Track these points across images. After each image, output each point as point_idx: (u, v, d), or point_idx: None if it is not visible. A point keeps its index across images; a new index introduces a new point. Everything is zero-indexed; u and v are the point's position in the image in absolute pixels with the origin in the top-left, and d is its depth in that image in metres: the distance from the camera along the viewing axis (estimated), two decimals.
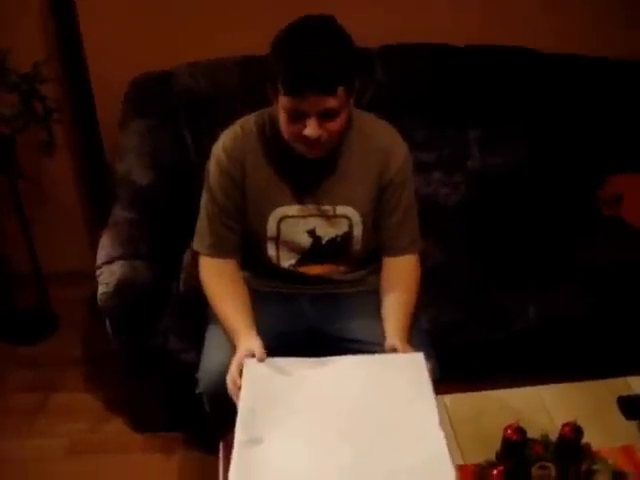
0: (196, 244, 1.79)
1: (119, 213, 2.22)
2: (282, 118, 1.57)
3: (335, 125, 1.55)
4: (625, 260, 2.26)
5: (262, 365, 1.54)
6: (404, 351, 1.58)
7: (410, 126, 2.37)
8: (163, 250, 2.13)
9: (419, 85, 2.54)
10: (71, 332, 2.77)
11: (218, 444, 1.82)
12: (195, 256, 1.84)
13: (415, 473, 1.31)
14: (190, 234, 1.82)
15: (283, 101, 1.52)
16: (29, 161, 2.63)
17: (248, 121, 1.75)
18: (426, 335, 1.82)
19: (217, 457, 1.85)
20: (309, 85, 1.47)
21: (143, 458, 2.21)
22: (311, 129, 1.52)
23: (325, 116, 1.52)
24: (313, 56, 1.47)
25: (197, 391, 1.71)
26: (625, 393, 1.68)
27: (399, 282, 1.76)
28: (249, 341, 1.59)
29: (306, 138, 1.54)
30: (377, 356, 1.60)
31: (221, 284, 1.74)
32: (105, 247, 2.04)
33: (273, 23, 1.57)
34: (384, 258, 1.81)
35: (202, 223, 1.77)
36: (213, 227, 1.75)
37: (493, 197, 2.58)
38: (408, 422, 1.41)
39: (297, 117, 1.53)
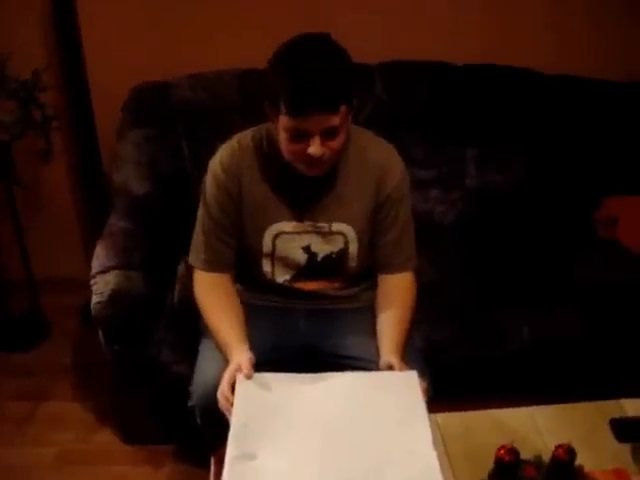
0: (191, 258, 1.79)
1: (115, 222, 2.22)
2: (283, 137, 1.56)
3: (337, 143, 1.55)
4: (620, 282, 2.26)
5: (255, 380, 1.52)
6: (400, 369, 1.57)
7: (408, 143, 2.38)
8: (158, 261, 2.13)
9: (418, 102, 2.54)
10: (63, 340, 2.75)
11: (209, 458, 1.82)
12: (190, 268, 1.83)
13: None
14: (185, 245, 1.82)
15: (284, 121, 1.51)
16: (26, 168, 2.62)
17: (245, 136, 1.75)
18: (420, 353, 1.81)
19: (207, 471, 1.85)
20: (312, 104, 1.46)
21: (132, 470, 2.19)
22: (315, 148, 1.51)
23: (327, 134, 1.52)
24: (315, 75, 1.46)
25: (189, 404, 1.70)
26: (618, 415, 1.67)
27: (395, 299, 1.75)
28: (240, 355, 1.57)
29: (308, 157, 1.54)
30: (371, 373, 1.59)
31: (214, 297, 1.73)
32: (100, 257, 2.04)
33: (273, 36, 1.57)
34: (380, 275, 1.81)
35: (198, 237, 1.77)
36: (208, 242, 1.74)
37: (490, 216, 2.58)
38: (401, 440, 1.40)
39: (299, 136, 1.52)
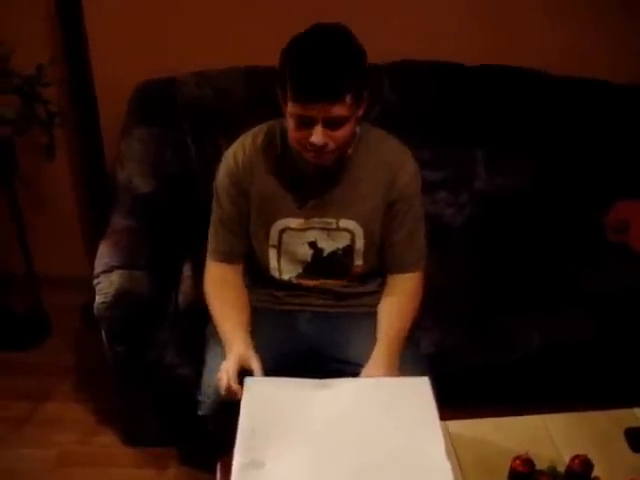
0: (208, 252, 1.81)
1: (118, 221, 2.18)
2: (290, 124, 1.57)
3: (341, 134, 1.54)
4: (631, 287, 2.23)
5: (262, 385, 1.51)
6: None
7: (416, 144, 2.30)
8: (163, 260, 2.09)
9: (426, 103, 2.51)
10: (64, 339, 2.71)
11: (213, 462, 1.77)
12: (196, 268, 1.82)
13: None
14: (191, 244, 1.81)
15: (291, 107, 1.52)
16: (29, 165, 2.59)
17: (260, 131, 1.76)
18: (424, 358, 1.80)
19: (211, 474, 1.80)
20: (316, 92, 1.47)
21: (134, 473, 2.16)
22: (317, 136, 1.52)
23: (331, 124, 1.51)
24: (322, 63, 1.46)
25: (200, 413, 1.69)
26: (633, 425, 1.64)
27: (399, 305, 1.75)
28: (243, 347, 1.59)
29: (312, 145, 1.54)
30: (382, 379, 1.58)
31: (222, 289, 1.76)
32: (104, 256, 2.00)
33: (280, 34, 1.57)
34: (389, 276, 1.80)
35: (211, 231, 1.80)
36: (219, 233, 1.77)
37: (498, 219, 2.54)
38: (413, 449, 1.37)
39: (304, 124, 1.53)
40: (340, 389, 1.51)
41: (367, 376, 1.61)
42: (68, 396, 2.46)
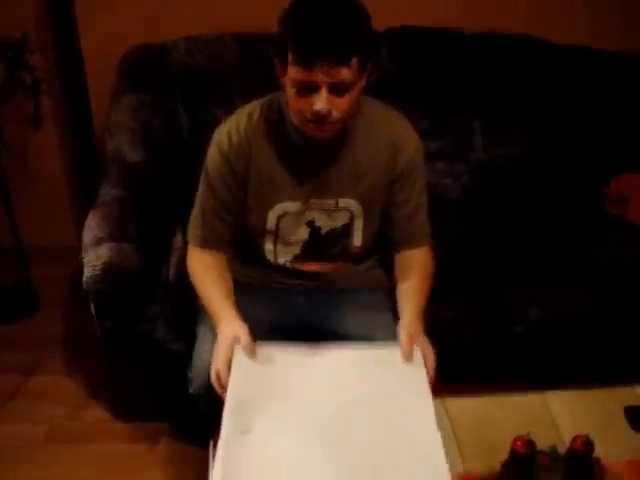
0: (189, 234, 1.72)
1: (107, 191, 2.11)
2: (290, 93, 1.47)
3: (345, 101, 1.45)
4: (631, 260, 2.18)
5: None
6: (417, 343, 1.53)
7: (414, 113, 2.23)
8: (153, 232, 2.03)
9: (425, 71, 2.45)
10: (52, 312, 2.67)
11: (206, 438, 1.75)
12: (186, 243, 1.76)
13: (407, 471, 1.26)
14: (182, 216, 1.74)
15: (292, 72, 1.42)
16: (14, 134, 2.52)
17: (255, 108, 1.65)
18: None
19: (203, 449, 1.77)
20: (322, 52, 1.37)
21: (124, 448, 2.12)
22: (321, 102, 1.42)
23: (336, 90, 1.42)
24: (328, 23, 1.38)
25: (190, 391, 1.64)
26: (633, 403, 1.61)
27: (413, 270, 1.69)
28: (233, 325, 1.53)
29: (315, 115, 1.45)
30: (373, 348, 1.54)
31: (207, 275, 1.67)
32: (92, 227, 1.94)
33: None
34: (397, 254, 1.74)
35: (196, 212, 1.70)
36: (206, 218, 1.67)
37: (495, 191, 2.49)
38: (403, 419, 1.35)
39: (306, 90, 1.43)
40: (331, 357, 1.50)
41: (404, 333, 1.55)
42: (57, 370, 2.41)
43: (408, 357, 1.50)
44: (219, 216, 1.66)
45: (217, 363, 1.49)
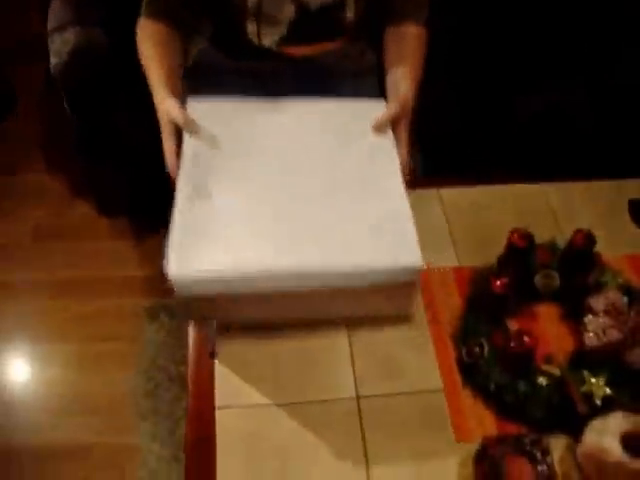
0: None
1: None
2: None
3: None
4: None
5: (208, 106, 1.35)
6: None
7: None
8: (120, 15, 1.84)
9: None
10: (31, 111, 2.54)
11: None
12: None
13: (372, 226, 1.16)
14: None
15: None
16: None
17: None
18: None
19: None
20: None
21: (111, 245, 2.10)
22: None
23: None
24: None
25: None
26: (638, 196, 1.52)
27: (406, 45, 1.53)
28: (167, 103, 1.33)
29: None
30: (337, 101, 1.42)
31: (152, 48, 1.47)
32: (56, 10, 1.76)
33: None
34: (388, 28, 1.57)
35: None
36: None
37: None
38: (370, 176, 1.25)
39: None
40: (293, 109, 1.39)
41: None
42: (40, 168, 2.35)
43: (382, 128, 1.38)
44: None
45: (164, 143, 1.32)
